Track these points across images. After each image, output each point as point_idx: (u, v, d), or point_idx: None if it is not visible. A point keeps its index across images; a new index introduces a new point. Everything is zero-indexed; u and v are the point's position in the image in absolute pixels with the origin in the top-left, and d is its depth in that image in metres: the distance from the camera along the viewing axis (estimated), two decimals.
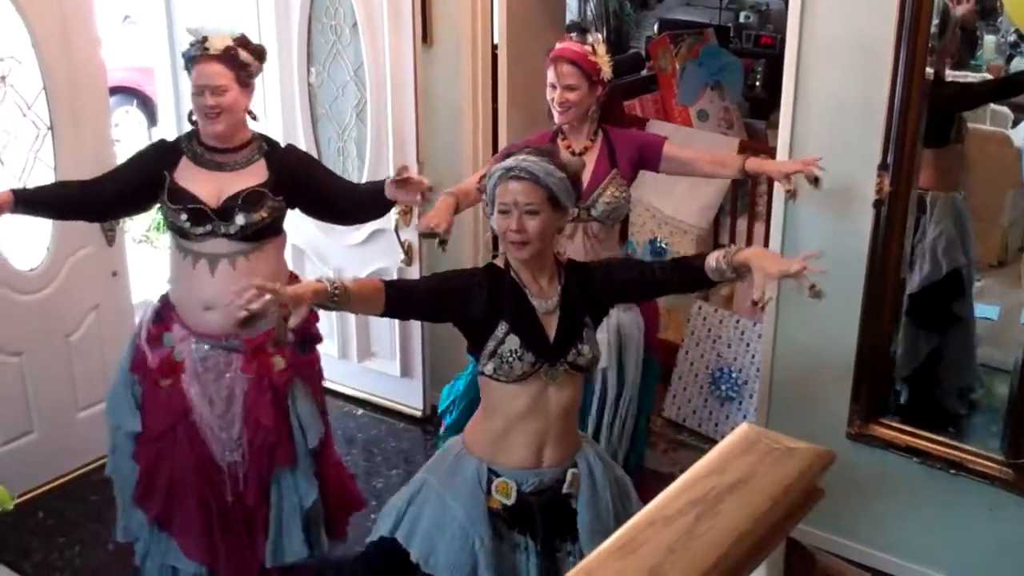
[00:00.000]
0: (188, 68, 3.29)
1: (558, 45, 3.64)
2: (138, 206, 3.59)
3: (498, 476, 2.78)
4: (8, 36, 3.91)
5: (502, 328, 2.72)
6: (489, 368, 2.71)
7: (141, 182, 3.33)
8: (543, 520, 2.80)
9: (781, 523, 1.31)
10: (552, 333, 2.75)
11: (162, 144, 3.46)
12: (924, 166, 3.63)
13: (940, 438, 3.63)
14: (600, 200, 3.55)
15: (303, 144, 4.73)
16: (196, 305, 3.32)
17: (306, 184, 3.41)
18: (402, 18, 4.23)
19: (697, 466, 1.32)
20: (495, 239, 4.47)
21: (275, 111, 4.80)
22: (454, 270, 2.92)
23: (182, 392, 3.34)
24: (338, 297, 2.55)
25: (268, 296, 2.42)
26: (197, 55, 3.24)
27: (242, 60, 3.26)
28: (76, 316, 4.24)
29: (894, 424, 3.71)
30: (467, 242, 4.59)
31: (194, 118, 3.33)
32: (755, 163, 3.63)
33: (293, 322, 2.49)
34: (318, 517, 3.52)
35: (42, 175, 4.05)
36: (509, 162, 2.68)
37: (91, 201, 3.40)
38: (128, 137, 7.56)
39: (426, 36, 4.35)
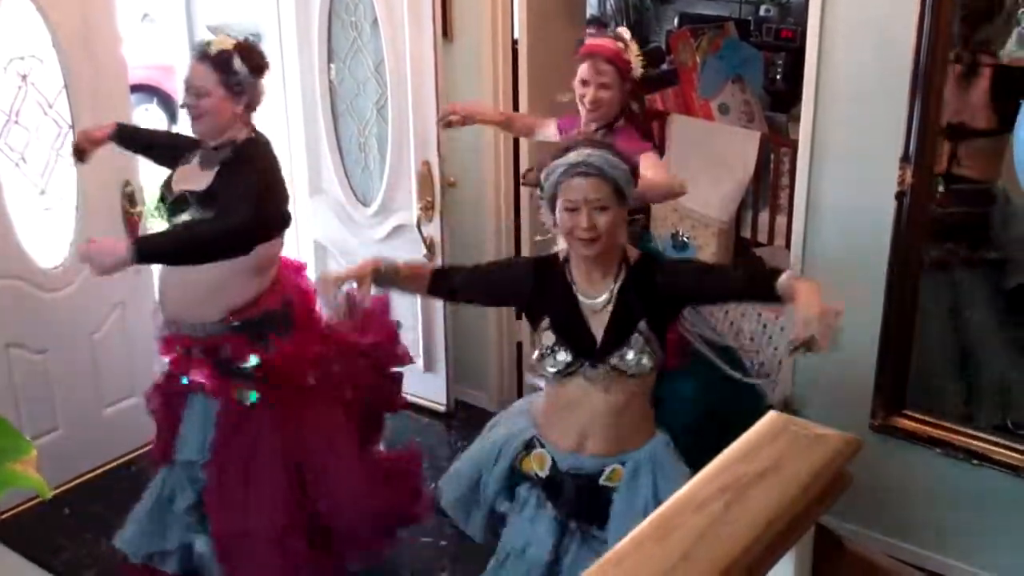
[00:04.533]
0: None
1: (589, 40, 3.61)
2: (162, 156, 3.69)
3: (542, 446, 2.84)
4: (29, 35, 3.93)
5: (545, 322, 2.74)
6: (535, 355, 2.77)
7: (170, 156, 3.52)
8: (576, 499, 2.81)
9: (810, 509, 1.31)
10: (600, 333, 2.72)
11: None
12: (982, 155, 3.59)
13: (963, 429, 3.61)
14: None
15: (324, 141, 4.75)
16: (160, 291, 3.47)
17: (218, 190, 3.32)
18: (422, 14, 4.22)
19: (726, 453, 1.33)
20: (517, 227, 4.50)
21: (296, 108, 4.82)
22: (507, 259, 2.95)
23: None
24: (386, 274, 2.84)
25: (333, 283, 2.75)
26: (195, 53, 3.33)
27: (233, 67, 3.24)
28: (100, 314, 4.27)
29: (917, 415, 3.69)
30: (489, 230, 4.60)
31: None
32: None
33: (362, 296, 2.74)
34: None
35: (64, 173, 4.07)
36: (572, 157, 2.63)
37: (169, 153, 3.52)
38: None
39: (447, 31, 4.35)
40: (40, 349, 4.07)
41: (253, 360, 3.33)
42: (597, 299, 2.73)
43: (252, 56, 3.31)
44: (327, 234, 4.90)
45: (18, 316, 3.98)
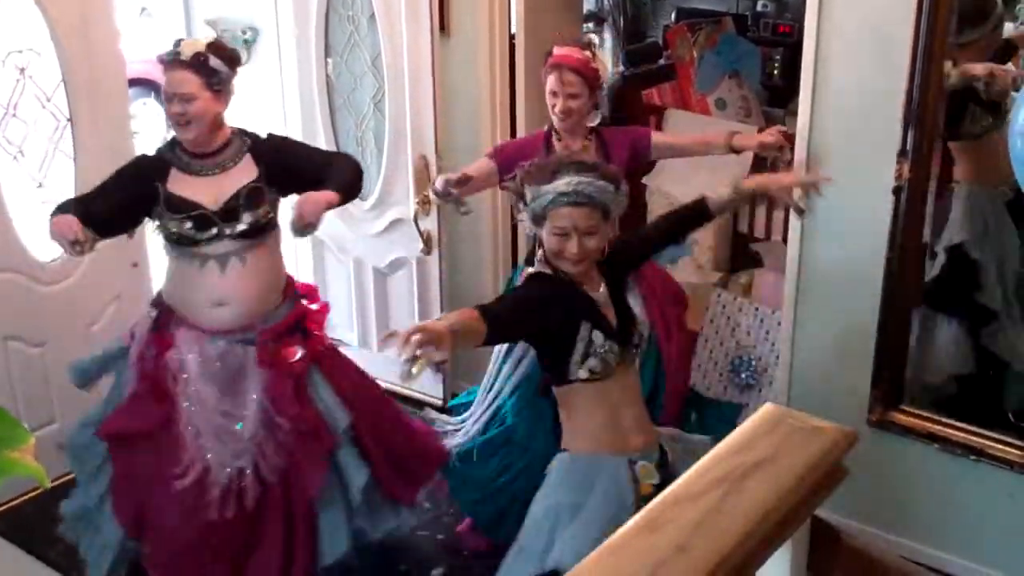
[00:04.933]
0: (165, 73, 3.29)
1: (556, 51, 3.65)
2: (128, 224, 3.50)
3: (633, 462, 2.83)
4: (27, 28, 3.93)
5: (585, 328, 2.76)
6: (583, 372, 2.75)
7: (130, 199, 3.34)
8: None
9: (806, 501, 1.32)
10: (614, 321, 2.84)
11: (143, 160, 3.48)
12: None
13: (960, 424, 3.62)
14: None
15: (321, 135, 4.75)
16: (205, 304, 3.34)
17: (295, 169, 3.43)
18: (419, 8, 4.22)
19: (722, 445, 1.33)
20: (514, 221, 4.50)
21: (293, 102, 4.82)
22: (522, 288, 2.93)
23: (172, 402, 3.35)
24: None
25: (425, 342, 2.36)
26: (168, 61, 3.26)
27: (212, 67, 3.24)
28: (97, 307, 4.27)
29: (914, 411, 3.70)
30: (486, 224, 4.60)
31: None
32: (740, 140, 3.80)
33: (439, 357, 2.44)
34: (372, 498, 3.50)
35: (62, 167, 4.07)
36: (562, 186, 2.69)
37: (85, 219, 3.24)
38: (146, 129, 7.59)
39: (444, 26, 4.35)
40: (38, 342, 4.08)
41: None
42: (601, 292, 2.86)
43: (225, 51, 3.33)
44: (324, 228, 4.84)
45: (16, 309, 3.99)
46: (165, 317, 3.43)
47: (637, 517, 1.19)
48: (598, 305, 2.83)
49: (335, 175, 3.36)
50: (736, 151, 3.82)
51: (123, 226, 3.49)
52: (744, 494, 1.23)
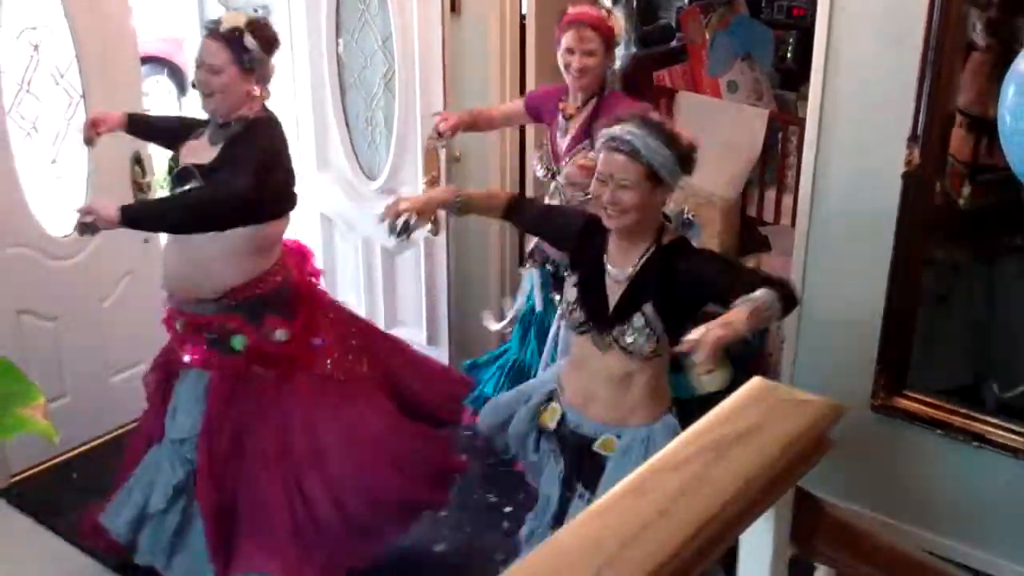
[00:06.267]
0: None
1: (571, 9, 3.64)
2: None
3: (556, 401, 2.98)
4: (40, 5, 3.94)
5: (573, 277, 2.87)
6: (562, 302, 2.98)
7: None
8: (574, 458, 2.94)
9: (789, 471, 1.35)
10: (612, 304, 2.79)
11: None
12: None
13: (963, 410, 3.63)
14: (565, 169, 3.63)
15: (331, 115, 4.76)
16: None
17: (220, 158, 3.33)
18: None
19: (709, 415, 1.36)
20: (523, 166, 4.57)
21: (304, 82, 4.83)
22: (568, 207, 3.15)
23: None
24: (460, 205, 3.04)
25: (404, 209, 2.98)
26: (207, 30, 3.30)
27: (245, 44, 3.24)
28: (109, 282, 4.31)
29: (918, 396, 3.71)
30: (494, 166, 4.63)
31: None
32: None
33: (418, 224, 3.01)
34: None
35: (75, 143, 4.10)
36: (616, 130, 2.67)
37: (178, 136, 3.47)
38: (158, 107, 7.63)
39: (454, 6, 4.36)
40: (50, 316, 4.12)
41: (238, 341, 3.34)
42: (623, 271, 2.78)
43: (264, 33, 3.30)
44: (333, 207, 4.92)
45: (29, 283, 4.02)
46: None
47: (624, 482, 1.22)
48: (604, 277, 2.79)
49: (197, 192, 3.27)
50: None
51: (166, 140, 3.62)
52: (728, 463, 1.26)
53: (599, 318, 2.78)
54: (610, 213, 2.69)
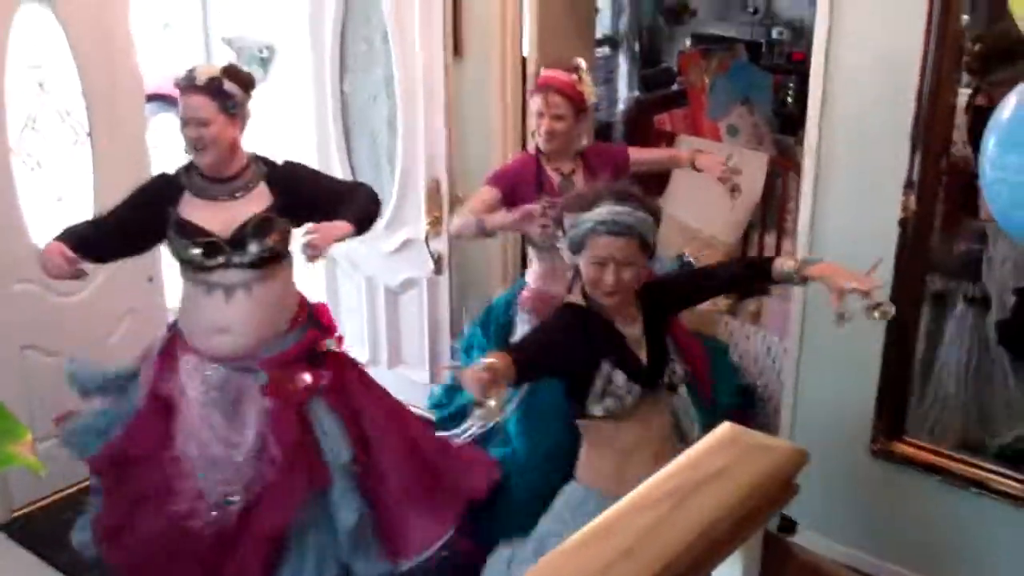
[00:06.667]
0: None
1: (544, 72, 3.73)
2: (143, 245, 3.51)
3: None
4: (47, 43, 3.99)
5: (607, 365, 2.74)
6: (599, 409, 2.74)
7: (144, 220, 3.32)
8: None
9: (754, 514, 1.37)
10: (644, 358, 2.81)
11: (162, 179, 3.41)
12: None
13: (962, 456, 3.63)
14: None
15: (335, 155, 4.80)
16: (208, 330, 3.35)
17: (311, 198, 3.41)
18: (433, 30, 4.28)
19: (677, 461, 1.40)
20: (523, 243, 4.55)
21: (308, 121, 4.87)
22: (552, 320, 2.91)
23: (171, 427, 3.34)
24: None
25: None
26: (184, 86, 3.25)
27: (227, 91, 3.25)
28: (112, 319, 4.33)
29: (917, 442, 3.71)
30: (496, 247, 4.64)
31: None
32: (702, 160, 3.93)
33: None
34: (365, 540, 3.43)
35: (80, 181, 4.14)
36: (604, 214, 2.68)
37: (100, 239, 3.32)
38: (164, 143, 7.67)
39: (457, 48, 4.40)
40: (54, 352, 4.12)
41: (331, 343, 3.51)
42: (636, 328, 2.83)
43: (240, 76, 3.32)
44: (337, 247, 4.92)
45: (33, 319, 4.04)
46: (174, 341, 3.44)
47: (592, 524, 1.25)
48: (627, 342, 2.80)
49: (351, 205, 3.36)
50: (697, 169, 3.94)
51: (135, 248, 3.50)
52: (693, 506, 1.30)
53: (649, 376, 2.80)
54: (611, 291, 2.73)
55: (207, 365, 3.36)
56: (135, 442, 3.38)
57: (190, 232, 3.26)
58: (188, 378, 3.36)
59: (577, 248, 2.76)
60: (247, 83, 3.34)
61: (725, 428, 1.49)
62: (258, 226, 3.28)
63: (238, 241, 3.26)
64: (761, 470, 1.41)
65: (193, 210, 3.30)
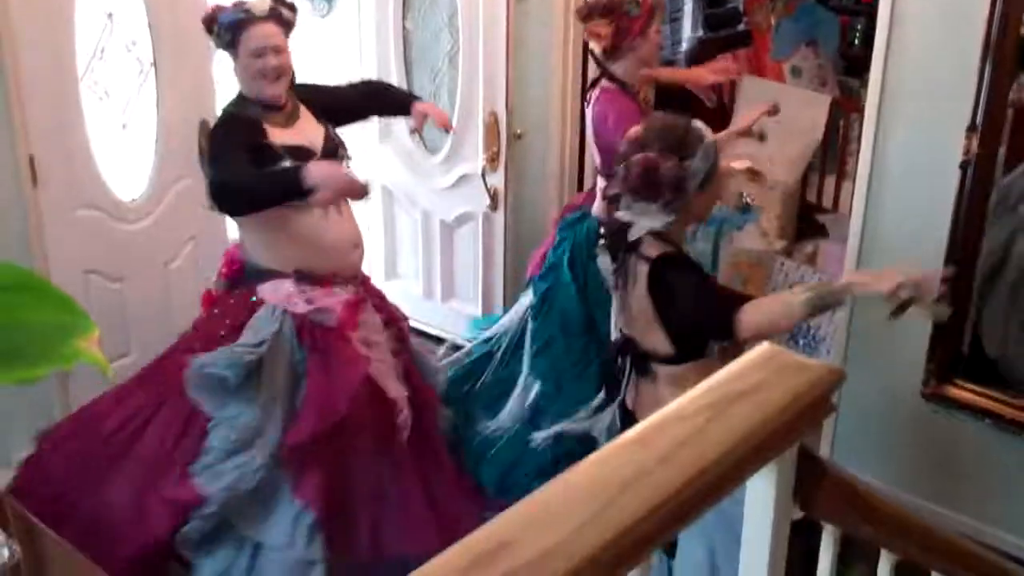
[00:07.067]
0: (233, 35, 3.24)
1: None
2: None
3: None
4: None
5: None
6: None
7: (258, 163, 3.23)
8: None
9: (788, 429, 1.40)
10: None
11: (239, 122, 3.32)
12: None
13: (1014, 401, 3.61)
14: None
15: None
16: (347, 247, 3.41)
17: (336, 106, 3.59)
18: None
19: (715, 376, 1.43)
20: (581, 181, 4.57)
21: (370, 56, 4.90)
22: (701, 283, 3.00)
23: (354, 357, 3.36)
24: None
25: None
26: (244, 19, 3.22)
27: (286, 18, 3.29)
28: (175, 246, 4.41)
29: (968, 385, 3.70)
30: (553, 184, 4.65)
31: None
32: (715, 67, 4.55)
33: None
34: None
35: (145, 109, 4.21)
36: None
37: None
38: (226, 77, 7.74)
39: None
40: (117, 277, 4.23)
41: None
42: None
43: (287, 3, 3.35)
44: (394, 180, 4.99)
45: (97, 245, 4.12)
46: (301, 287, 3.36)
47: (628, 433, 1.29)
48: None
49: (397, 92, 3.81)
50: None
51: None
52: (729, 418, 1.33)
53: None
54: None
55: (347, 289, 3.43)
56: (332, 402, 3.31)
57: (302, 154, 3.23)
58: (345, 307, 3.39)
59: (703, 184, 2.86)
60: (293, 7, 3.38)
61: (764, 347, 1.52)
62: (339, 139, 3.43)
63: (330, 153, 3.36)
64: (797, 387, 1.44)
65: (280, 136, 3.28)
